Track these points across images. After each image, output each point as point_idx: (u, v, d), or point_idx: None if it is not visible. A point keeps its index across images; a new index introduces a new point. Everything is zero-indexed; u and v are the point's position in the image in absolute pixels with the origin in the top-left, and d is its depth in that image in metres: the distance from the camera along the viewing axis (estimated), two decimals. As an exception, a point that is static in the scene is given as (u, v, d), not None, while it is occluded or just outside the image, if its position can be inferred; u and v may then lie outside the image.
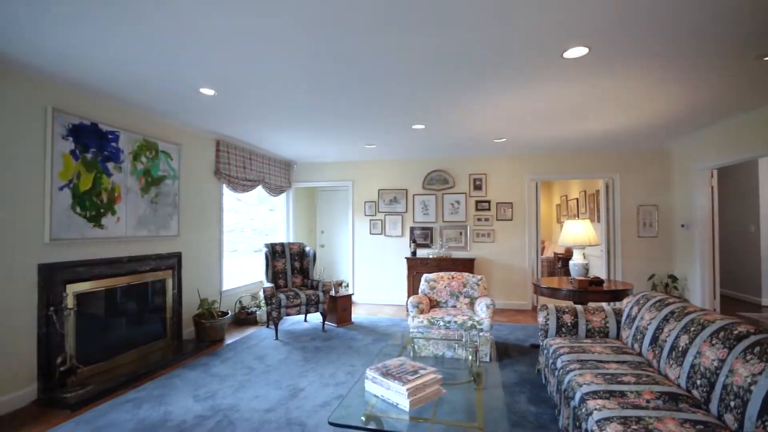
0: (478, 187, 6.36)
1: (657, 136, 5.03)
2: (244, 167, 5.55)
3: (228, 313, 4.76)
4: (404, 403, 1.92)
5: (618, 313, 3.27)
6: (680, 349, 2.30)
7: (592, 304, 3.58)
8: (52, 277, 3.02)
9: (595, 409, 1.94)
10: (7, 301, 2.78)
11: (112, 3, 2.01)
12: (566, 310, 3.31)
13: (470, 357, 2.79)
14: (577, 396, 2.18)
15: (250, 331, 4.92)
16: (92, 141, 3.34)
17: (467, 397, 2.20)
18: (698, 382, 2.07)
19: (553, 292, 3.85)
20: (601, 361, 2.57)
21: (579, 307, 3.35)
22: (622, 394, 2.08)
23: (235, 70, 2.89)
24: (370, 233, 6.80)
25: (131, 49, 2.53)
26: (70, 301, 3.13)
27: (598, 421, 1.85)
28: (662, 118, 4.14)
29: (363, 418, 1.88)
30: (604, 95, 3.44)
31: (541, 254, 8.64)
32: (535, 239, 6.16)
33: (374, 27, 2.27)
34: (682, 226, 5.41)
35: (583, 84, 3.17)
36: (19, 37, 2.36)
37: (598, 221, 6.46)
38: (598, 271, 6.40)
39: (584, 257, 4.01)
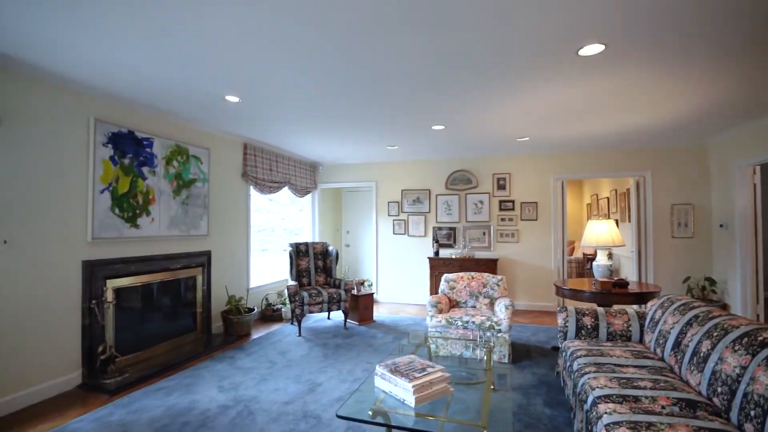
0: (501, 187, 6.28)
1: (691, 132, 4.79)
2: (270, 169, 5.76)
3: (254, 310, 4.97)
4: (410, 400, 1.97)
5: (642, 317, 3.16)
6: (702, 354, 2.22)
7: (616, 307, 3.49)
8: (93, 273, 3.29)
9: (605, 413, 1.91)
10: (56, 294, 3.06)
11: (146, 26, 2.18)
12: (586, 312, 3.24)
13: (484, 357, 2.79)
14: (590, 399, 2.15)
15: (276, 327, 5.11)
16: (129, 147, 3.59)
17: (480, 397, 2.21)
18: (719, 389, 1.99)
19: (575, 294, 3.77)
20: (618, 365, 2.51)
21: (600, 309, 3.26)
22: (636, 398, 2.04)
23: (256, 78, 3.03)
24: (394, 233, 6.86)
25: (162, 62, 2.72)
26: (109, 295, 3.40)
27: (606, 425, 1.83)
28: (696, 113, 3.95)
29: (370, 413, 1.94)
30: (625, 92, 3.33)
31: (570, 255, 8.39)
32: (561, 239, 6.01)
33: (387, 30, 2.32)
34: (721, 226, 5.12)
35: (601, 81, 3.09)
36: (68, 55, 2.60)
37: (630, 221, 6.21)
38: (629, 273, 6.15)
39: (609, 258, 3.89)
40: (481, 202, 6.36)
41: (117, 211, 3.47)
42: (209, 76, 2.98)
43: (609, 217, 7.64)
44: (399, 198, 6.84)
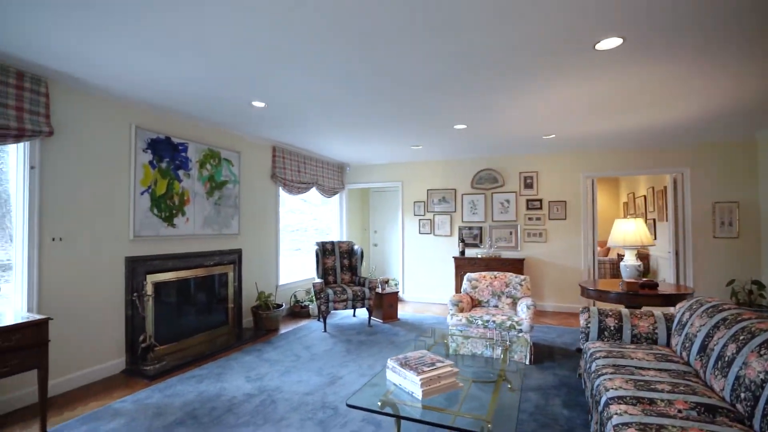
0: (528, 186, 6.16)
1: (737, 125, 4.50)
2: (298, 171, 5.97)
3: (282, 306, 5.18)
4: (418, 392, 2.03)
5: (669, 319, 3.04)
6: (726, 358, 2.12)
7: (645, 308, 3.37)
8: (135, 269, 3.58)
9: (615, 414, 1.89)
10: (103, 287, 3.37)
11: (176, 43, 2.38)
12: (610, 313, 3.15)
13: (501, 356, 2.79)
14: (603, 400, 2.12)
15: (303, 323, 5.30)
16: (166, 152, 3.88)
17: (505, 397, 2.21)
18: (742, 395, 1.91)
19: (601, 295, 3.66)
20: (639, 368, 2.44)
21: (624, 310, 3.17)
22: (651, 401, 1.99)
23: (280, 84, 3.19)
24: (419, 233, 6.90)
25: (193, 73, 2.93)
26: (149, 289, 3.68)
27: (615, 426, 1.80)
28: (741, 104, 3.72)
29: (379, 404, 2.02)
30: (650, 87, 3.20)
31: (605, 256, 8.08)
32: (591, 239, 5.81)
33: (405, 35, 2.40)
34: (769, 225, 4.78)
35: (622, 76, 3.00)
36: (110, 71, 2.87)
37: (667, 220, 5.91)
38: (667, 275, 5.85)
39: (638, 258, 3.75)
40: (508, 201, 6.27)
41: (155, 211, 3.76)
42: (236, 84, 3.17)
43: (646, 217, 7.29)
44: (425, 198, 6.87)
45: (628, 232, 3.71)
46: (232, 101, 3.62)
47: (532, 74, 2.99)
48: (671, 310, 4.53)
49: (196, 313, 4.29)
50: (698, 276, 5.31)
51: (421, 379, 2.04)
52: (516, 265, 5.73)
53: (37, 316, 2.38)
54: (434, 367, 2.15)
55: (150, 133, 3.72)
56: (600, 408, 2.13)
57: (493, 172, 6.37)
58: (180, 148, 4.02)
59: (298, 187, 5.94)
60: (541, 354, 3.92)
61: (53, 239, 3.03)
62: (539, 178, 6.12)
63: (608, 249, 8.39)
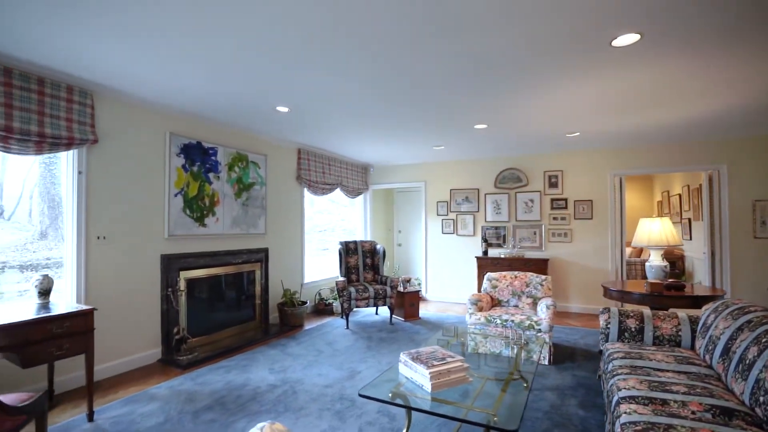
0: (553, 185, 6.05)
1: (773, 119, 4.26)
2: (323, 172, 6.15)
3: (307, 303, 5.36)
4: (427, 385, 2.11)
5: (694, 321, 2.95)
6: (747, 361, 2.07)
7: (671, 310, 3.27)
8: (170, 265, 3.84)
9: (624, 413, 1.89)
10: (142, 283, 3.64)
11: (203, 54, 2.57)
12: (631, 314, 3.09)
13: (516, 354, 2.81)
14: (614, 399, 2.11)
15: (327, 320, 5.46)
16: (197, 156, 4.13)
17: (509, 391, 2.24)
18: (761, 398, 1.86)
19: (623, 296, 3.58)
20: (656, 369, 2.40)
21: (647, 311, 3.10)
22: (664, 402, 1.97)
23: (302, 90, 3.34)
24: (442, 232, 6.92)
25: (220, 82, 3.14)
26: (182, 285, 3.94)
27: (623, 424, 1.81)
28: (770, 98, 3.54)
29: (390, 395, 2.11)
30: (674, 82, 3.11)
31: (638, 256, 7.79)
32: (619, 239, 5.64)
33: (422, 38, 2.48)
34: (815, 224, 4.49)
35: (642, 72, 2.94)
36: (151, 82, 3.12)
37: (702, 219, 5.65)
38: (703, 276, 5.59)
39: (664, 259, 3.64)
40: (532, 200, 6.19)
41: (188, 212, 4.01)
42: (260, 90, 3.35)
43: (681, 216, 6.98)
44: (447, 197, 6.89)
45: (652, 232, 3.60)
46: (258, 107, 3.81)
47: (548, 73, 2.99)
48: (683, 312, 4.35)
49: (226, 308, 4.53)
50: (736, 279, 5.05)
51: (430, 373, 2.11)
52: (540, 266, 5.66)
53: (84, 307, 2.63)
54: (444, 362, 2.21)
55: (183, 139, 3.98)
56: (612, 407, 2.13)
57: (516, 171, 6.31)
58: (210, 152, 4.27)
59: (322, 188, 6.12)
60: (562, 355, 3.87)
61: (98, 238, 3.32)
62: (564, 177, 6.00)
63: (641, 250, 8.08)
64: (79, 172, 3.22)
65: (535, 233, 6.17)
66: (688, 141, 5.27)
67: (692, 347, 2.87)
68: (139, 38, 2.42)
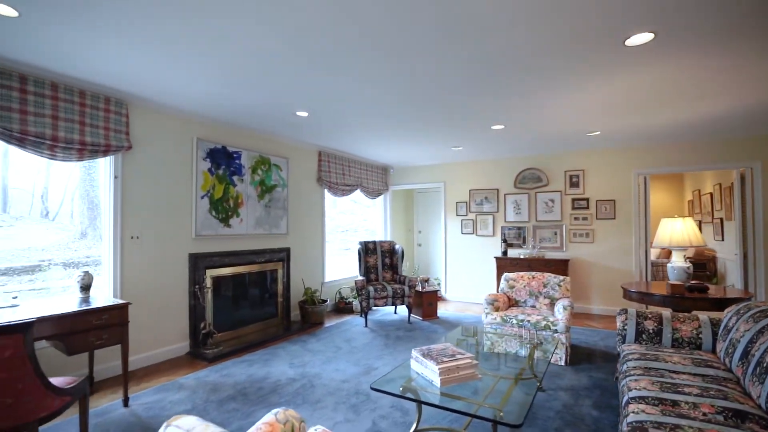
0: (574, 185, 5.96)
1: (808, 114, 4.07)
2: (342, 174, 6.29)
3: (327, 301, 5.50)
4: (437, 381, 2.18)
5: (716, 324, 2.88)
6: (765, 365, 2.03)
7: (695, 313, 3.20)
8: (197, 263, 4.06)
9: (632, 412, 1.90)
10: (172, 279, 3.87)
11: (227, 65, 2.74)
12: (649, 315, 3.05)
13: (529, 354, 2.84)
14: (624, 400, 2.12)
15: (346, 318, 5.59)
16: (222, 160, 4.34)
17: (520, 390, 2.27)
18: (777, 401, 1.83)
19: (643, 297, 3.52)
20: (671, 371, 2.38)
21: (666, 313, 3.04)
22: (675, 403, 1.96)
23: (320, 95, 3.48)
24: (462, 233, 6.93)
25: (243, 89, 3.31)
26: (208, 282, 4.16)
27: (629, 423, 1.82)
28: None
29: (401, 389, 2.19)
30: (693, 79, 3.05)
31: (666, 257, 7.54)
32: (643, 240, 5.50)
33: (437, 42, 2.56)
34: None
35: (657, 70, 2.89)
36: (181, 93, 3.33)
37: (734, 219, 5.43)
38: (735, 279, 5.37)
39: (686, 260, 3.55)
40: (552, 200, 6.12)
41: (213, 213, 4.23)
42: (280, 96, 3.51)
43: (712, 216, 6.71)
44: (467, 198, 6.89)
45: (674, 232, 3.52)
46: (279, 112, 3.98)
47: (562, 74, 2.99)
48: (704, 314, 4.20)
49: (249, 305, 4.73)
50: (770, 280, 4.83)
51: (439, 369, 2.18)
52: (560, 266, 5.59)
53: (120, 301, 2.85)
54: (454, 359, 2.27)
55: (209, 144, 4.20)
56: (622, 407, 2.13)
57: (536, 171, 6.25)
58: (234, 155, 4.48)
59: (342, 189, 6.26)
60: (580, 356, 3.84)
61: (131, 237, 3.56)
62: (586, 177, 5.90)
63: (669, 251, 7.80)
64: (115, 177, 3.46)
65: (555, 233, 6.09)
66: (717, 138, 5.09)
67: (713, 350, 2.81)
68: (170, 51, 2.61)
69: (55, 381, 2.10)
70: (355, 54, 2.65)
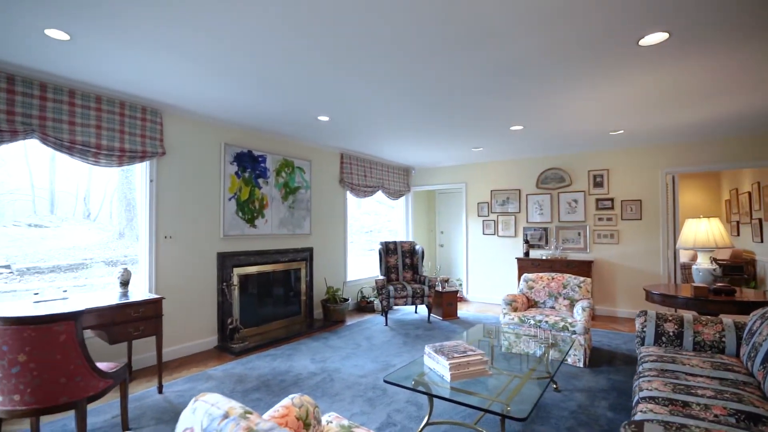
0: (598, 185, 5.85)
1: None
2: (365, 175, 6.43)
3: (348, 300, 5.64)
4: (447, 375, 2.25)
5: (740, 328, 2.80)
6: (785, 367, 1.98)
7: (721, 316, 3.12)
8: (224, 262, 4.29)
9: (640, 411, 1.91)
10: (202, 277, 4.12)
11: (254, 78, 2.92)
12: (669, 318, 3.00)
13: (543, 353, 2.86)
14: (635, 399, 2.12)
15: (367, 317, 5.71)
16: (248, 163, 4.56)
17: (532, 388, 2.30)
18: (794, 404, 1.80)
19: (665, 299, 3.44)
20: (687, 374, 2.35)
21: (687, 315, 2.98)
22: (686, 404, 1.96)
23: (339, 100, 3.62)
24: (483, 233, 6.92)
25: (267, 97, 3.49)
26: (235, 280, 4.38)
27: (631, 421, 1.83)
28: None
29: (412, 382, 2.28)
30: (715, 76, 2.97)
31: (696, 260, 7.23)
32: (672, 241, 5.33)
33: (451, 48, 2.64)
34: None
35: (673, 69, 2.85)
36: (211, 101, 3.55)
37: (772, 220, 5.17)
38: (773, 282, 5.12)
39: (713, 262, 3.45)
40: (576, 200, 6.02)
41: (240, 214, 4.45)
42: (302, 103, 3.67)
43: (751, 216, 6.39)
44: (488, 198, 6.88)
45: (698, 233, 3.43)
46: (301, 117, 4.15)
47: (577, 74, 2.99)
48: (728, 318, 4.03)
49: (274, 303, 4.93)
50: (810, 284, 4.58)
51: (450, 364, 2.25)
52: (583, 268, 5.50)
53: (155, 296, 3.08)
54: (465, 355, 2.34)
55: (235, 148, 4.43)
56: (633, 407, 2.13)
57: (559, 171, 6.16)
58: (259, 159, 4.69)
59: (364, 190, 6.39)
60: (600, 358, 3.79)
61: (165, 237, 3.82)
62: (610, 176, 5.78)
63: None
64: (150, 180, 3.73)
65: (579, 234, 5.99)
66: (752, 134, 4.87)
67: (737, 354, 2.74)
68: (200, 63, 2.81)
69: (100, 365, 2.32)
70: (382, 57, 2.75)
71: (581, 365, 3.58)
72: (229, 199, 4.34)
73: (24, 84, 2.88)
